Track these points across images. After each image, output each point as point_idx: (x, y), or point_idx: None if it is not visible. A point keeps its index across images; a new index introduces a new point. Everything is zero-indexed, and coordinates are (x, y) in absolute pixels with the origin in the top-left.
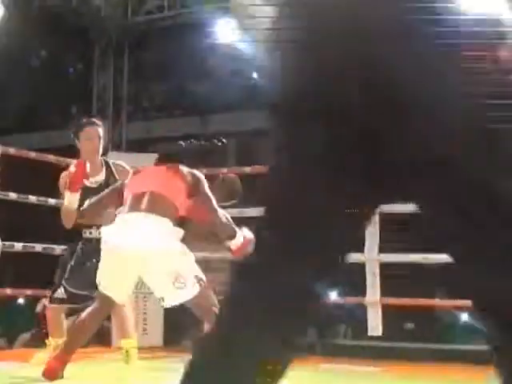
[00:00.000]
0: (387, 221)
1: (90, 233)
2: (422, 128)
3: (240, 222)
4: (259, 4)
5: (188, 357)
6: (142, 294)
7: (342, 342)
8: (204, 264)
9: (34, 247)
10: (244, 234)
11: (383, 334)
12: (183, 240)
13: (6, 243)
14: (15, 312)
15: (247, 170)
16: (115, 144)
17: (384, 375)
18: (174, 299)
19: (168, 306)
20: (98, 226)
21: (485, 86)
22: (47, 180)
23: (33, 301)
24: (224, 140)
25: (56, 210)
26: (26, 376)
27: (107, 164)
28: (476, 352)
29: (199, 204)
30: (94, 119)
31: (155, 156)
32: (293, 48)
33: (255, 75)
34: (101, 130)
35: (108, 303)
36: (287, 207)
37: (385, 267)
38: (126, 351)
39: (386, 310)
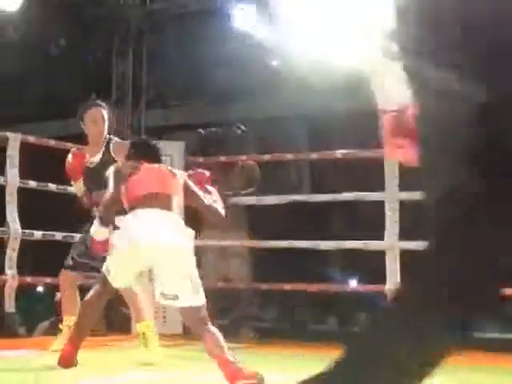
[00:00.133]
0: (407, 208)
1: None
2: None
3: (258, 209)
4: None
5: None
6: None
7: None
8: (219, 251)
9: (53, 235)
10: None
11: None
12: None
13: (26, 231)
14: (35, 300)
15: (266, 157)
16: (134, 131)
17: None
18: (187, 300)
19: (179, 305)
20: None
21: None
22: None
23: (52, 289)
24: (243, 127)
25: (75, 198)
26: (46, 364)
27: (107, 143)
28: (502, 340)
29: (189, 197)
30: (98, 101)
31: (180, 144)
32: None
33: (274, 62)
34: (105, 112)
35: (110, 285)
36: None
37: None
38: (143, 334)
39: None
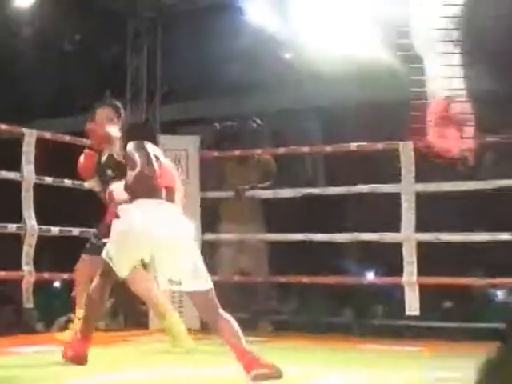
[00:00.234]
0: (423, 199)
1: None
2: None
3: (273, 203)
4: None
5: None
6: None
7: (379, 322)
8: (236, 245)
9: (70, 231)
10: None
11: (420, 313)
12: None
13: (43, 227)
14: (52, 296)
15: (281, 150)
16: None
17: (424, 354)
18: (191, 285)
19: (183, 290)
20: None
21: None
22: None
23: (69, 284)
24: (259, 121)
25: (92, 194)
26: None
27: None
28: None
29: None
30: (107, 100)
31: (195, 138)
32: None
33: (288, 55)
34: (112, 111)
35: (112, 273)
36: None
37: (421, 246)
38: (169, 329)
39: (423, 289)
